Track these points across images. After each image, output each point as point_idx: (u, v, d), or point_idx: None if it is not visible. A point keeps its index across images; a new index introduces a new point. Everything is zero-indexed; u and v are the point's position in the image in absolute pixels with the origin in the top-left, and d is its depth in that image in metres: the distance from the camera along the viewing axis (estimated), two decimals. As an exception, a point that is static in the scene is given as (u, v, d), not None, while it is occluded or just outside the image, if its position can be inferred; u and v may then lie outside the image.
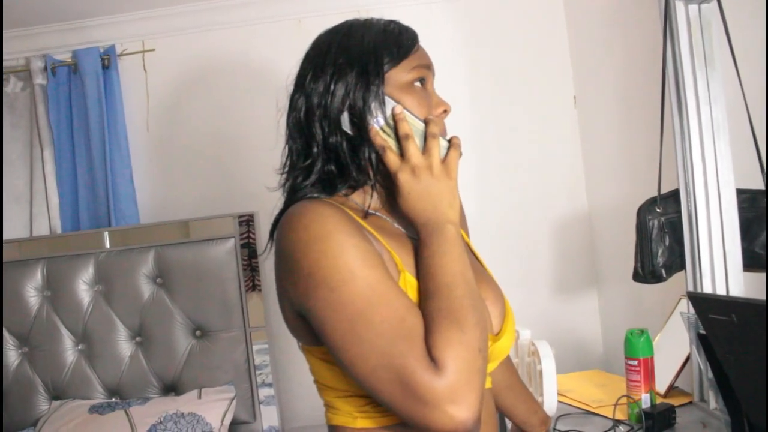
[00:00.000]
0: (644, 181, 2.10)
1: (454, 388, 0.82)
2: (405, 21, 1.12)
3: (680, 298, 1.86)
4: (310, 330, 0.95)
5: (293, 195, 1.05)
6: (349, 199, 1.05)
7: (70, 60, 2.59)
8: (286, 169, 1.08)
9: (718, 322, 1.10)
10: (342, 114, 1.01)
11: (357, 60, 1.02)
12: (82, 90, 2.56)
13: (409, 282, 0.96)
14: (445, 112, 1.08)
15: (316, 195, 1.03)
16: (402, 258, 0.98)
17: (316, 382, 1.06)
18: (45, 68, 2.58)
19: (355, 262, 0.89)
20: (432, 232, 0.97)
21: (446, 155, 1.02)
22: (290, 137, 1.07)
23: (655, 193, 1.75)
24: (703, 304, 1.15)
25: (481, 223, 2.51)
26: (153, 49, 2.63)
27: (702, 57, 1.61)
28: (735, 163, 1.64)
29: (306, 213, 0.94)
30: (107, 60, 2.57)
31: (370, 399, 0.97)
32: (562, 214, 2.63)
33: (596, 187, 2.57)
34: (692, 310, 1.61)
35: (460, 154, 1.03)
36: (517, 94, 2.61)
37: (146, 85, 2.65)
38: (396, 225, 1.07)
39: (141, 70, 2.65)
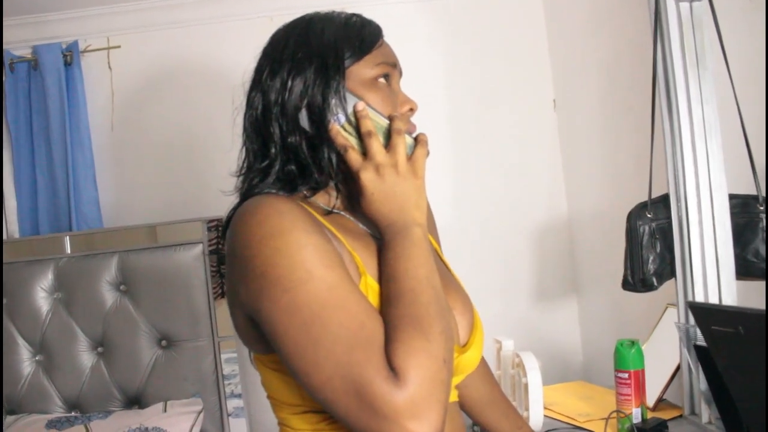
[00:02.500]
0: (626, 186, 2.06)
1: (414, 401, 0.76)
2: (380, 21, 1.06)
3: (666, 307, 1.80)
4: (261, 337, 0.88)
5: (248, 193, 0.98)
6: (310, 200, 0.99)
7: (29, 56, 2.49)
8: (243, 171, 1.01)
9: (722, 333, 1.04)
10: (300, 111, 0.95)
11: (316, 54, 0.97)
12: (42, 87, 2.46)
13: (370, 286, 0.90)
14: (411, 110, 1.03)
15: (273, 191, 0.96)
16: (364, 260, 0.92)
17: (269, 397, 1.00)
18: (2, 64, 2.46)
19: (313, 262, 0.82)
20: (397, 234, 0.91)
21: (412, 153, 0.96)
22: (247, 137, 1.01)
23: (638, 198, 1.69)
24: (706, 315, 1.08)
25: (457, 229, 2.46)
26: (119, 46, 2.53)
27: (693, 56, 1.55)
28: (725, 166, 1.58)
29: (261, 208, 0.87)
30: (70, 56, 2.47)
31: (326, 415, 0.90)
32: (542, 220, 2.58)
33: (576, 192, 2.53)
34: (683, 320, 1.56)
35: (428, 152, 0.98)
36: (495, 98, 2.56)
37: (111, 83, 2.55)
38: (360, 225, 1.01)
39: (106, 67, 2.55)
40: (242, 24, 2.50)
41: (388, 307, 0.86)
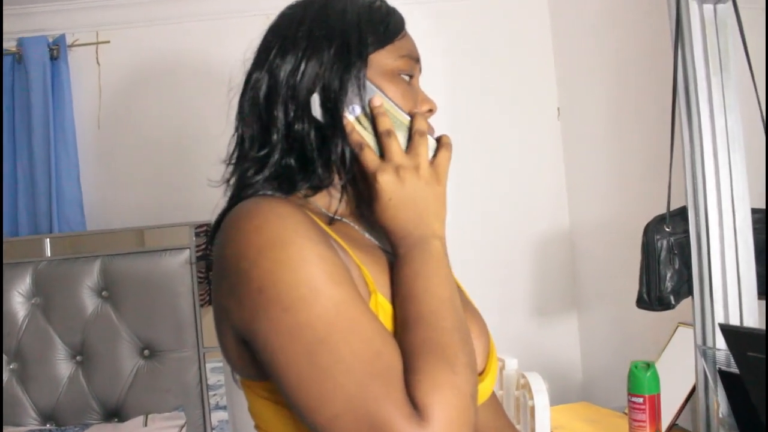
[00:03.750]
0: (633, 198, 2.00)
1: None
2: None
3: (678, 326, 1.72)
4: (254, 360, 0.77)
5: (241, 191, 0.87)
6: (310, 201, 0.88)
7: (14, 48, 2.43)
8: (234, 160, 0.90)
9: (759, 360, 0.94)
10: (312, 96, 0.85)
11: (338, 34, 0.86)
12: (26, 82, 2.40)
13: (381, 306, 0.79)
14: (431, 111, 0.94)
15: (269, 192, 0.85)
16: (374, 276, 0.81)
17: (257, 427, 0.87)
18: (-14, 57, 2.39)
19: (320, 277, 0.72)
20: (413, 246, 0.82)
21: (435, 156, 0.87)
22: (242, 121, 0.90)
23: (646, 211, 1.61)
24: (740, 339, 0.99)
25: (453, 239, 2.36)
26: (108, 41, 2.48)
27: (717, 62, 1.47)
28: (748, 178, 1.50)
29: (258, 212, 0.76)
30: (56, 50, 2.42)
31: None
32: (542, 232, 2.52)
33: (579, 204, 2.47)
34: (701, 341, 1.47)
35: (451, 156, 0.89)
36: (496, 105, 2.50)
37: (99, 79, 2.49)
38: (367, 235, 0.90)
39: (94, 62, 2.49)
40: (237, 21, 2.43)
41: (405, 331, 0.76)
